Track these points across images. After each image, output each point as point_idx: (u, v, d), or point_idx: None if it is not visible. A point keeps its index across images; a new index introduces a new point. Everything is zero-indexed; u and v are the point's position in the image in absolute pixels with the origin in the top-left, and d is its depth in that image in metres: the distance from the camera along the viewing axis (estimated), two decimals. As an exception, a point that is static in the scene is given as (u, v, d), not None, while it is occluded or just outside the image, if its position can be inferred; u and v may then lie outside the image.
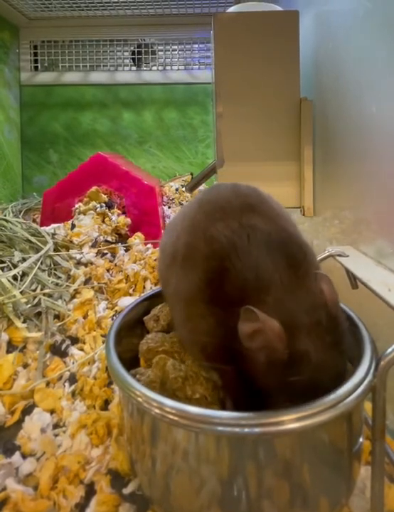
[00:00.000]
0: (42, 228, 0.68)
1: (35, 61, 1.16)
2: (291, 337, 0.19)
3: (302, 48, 0.60)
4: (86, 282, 0.57)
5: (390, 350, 0.22)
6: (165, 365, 0.26)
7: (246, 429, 0.20)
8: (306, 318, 0.19)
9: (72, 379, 0.39)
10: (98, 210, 0.75)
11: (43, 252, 0.57)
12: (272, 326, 0.19)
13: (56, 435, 0.33)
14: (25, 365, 0.41)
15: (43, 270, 0.55)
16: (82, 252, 0.65)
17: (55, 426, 0.34)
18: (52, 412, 0.35)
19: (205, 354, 0.24)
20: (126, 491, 0.27)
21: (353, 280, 0.36)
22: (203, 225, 0.24)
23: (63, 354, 0.43)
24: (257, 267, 0.20)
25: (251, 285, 0.21)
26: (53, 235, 0.68)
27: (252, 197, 0.25)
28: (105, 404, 0.36)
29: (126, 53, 1.16)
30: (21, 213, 0.91)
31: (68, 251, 0.65)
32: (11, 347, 0.43)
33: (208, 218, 0.24)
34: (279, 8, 0.64)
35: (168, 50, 1.16)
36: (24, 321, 0.45)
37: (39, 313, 0.48)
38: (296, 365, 0.19)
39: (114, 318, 0.42)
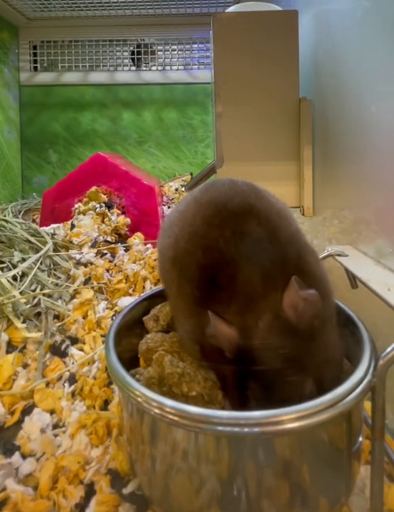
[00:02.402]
0: (41, 228, 0.68)
1: (35, 61, 1.16)
2: (243, 339, 0.21)
3: (301, 47, 0.60)
4: (86, 282, 0.57)
5: (389, 349, 0.22)
6: (163, 360, 0.26)
7: (245, 429, 0.20)
8: (256, 326, 0.21)
9: (72, 379, 0.39)
10: (98, 210, 0.75)
11: (42, 252, 0.57)
12: (222, 330, 0.22)
13: (56, 435, 0.33)
14: (25, 366, 0.41)
15: (43, 270, 0.55)
16: (81, 252, 0.65)
17: (55, 426, 0.34)
18: (52, 412, 0.35)
19: (203, 354, 0.25)
20: (126, 491, 0.27)
21: (353, 280, 0.36)
22: (201, 232, 0.24)
23: (63, 354, 0.43)
24: (239, 277, 0.22)
25: (233, 293, 0.23)
26: (53, 235, 0.68)
27: (250, 196, 0.25)
28: (105, 405, 0.36)
29: (125, 53, 1.16)
30: (21, 213, 0.91)
31: (68, 251, 0.65)
32: (10, 347, 0.43)
33: (206, 224, 0.24)
34: (278, 8, 0.64)
35: (168, 50, 1.16)
36: (24, 322, 0.45)
37: (39, 314, 0.48)
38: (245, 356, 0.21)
39: (114, 318, 0.42)
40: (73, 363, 0.41)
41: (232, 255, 0.22)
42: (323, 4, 0.58)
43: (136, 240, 0.72)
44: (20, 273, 0.51)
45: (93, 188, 0.78)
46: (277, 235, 0.23)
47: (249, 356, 0.22)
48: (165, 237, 0.29)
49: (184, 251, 0.25)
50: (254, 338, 0.22)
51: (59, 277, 0.56)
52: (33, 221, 0.86)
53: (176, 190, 1.00)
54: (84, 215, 0.75)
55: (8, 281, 0.48)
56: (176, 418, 0.21)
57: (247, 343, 0.21)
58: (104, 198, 0.78)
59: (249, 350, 0.22)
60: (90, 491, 0.28)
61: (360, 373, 0.22)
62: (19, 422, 0.34)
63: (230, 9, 0.68)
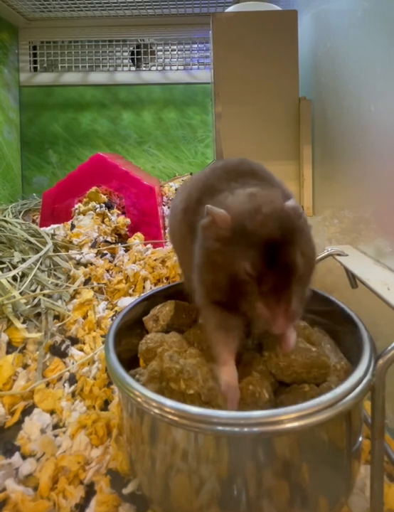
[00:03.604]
0: (41, 229, 0.68)
1: (35, 62, 1.16)
2: (233, 219, 0.24)
3: (301, 47, 0.60)
4: (86, 283, 0.57)
5: (389, 349, 0.22)
6: (163, 355, 0.26)
7: (245, 429, 0.20)
8: (251, 210, 0.24)
9: (72, 379, 0.39)
10: (98, 210, 0.75)
11: (42, 252, 0.57)
12: (218, 212, 0.24)
13: (56, 436, 0.33)
14: (25, 366, 0.41)
15: (43, 271, 0.55)
16: (81, 253, 0.65)
17: (55, 426, 0.34)
18: (52, 412, 0.35)
19: (210, 295, 0.27)
20: (126, 491, 0.27)
21: (353, 279, 0.36)
22: (212, 184, 0.29)
23: (63, 354, 0.43)
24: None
25: None
26: (53, 235, 0.68)
27: (255, 165, 0.31)
28: (105, 405, 0.36)
29: (125, 54, 1.16)
30: (21, 214, 0.91)
31: (68, 251, 0.65)
32: (10, 347, 0.43)
33: (217, 179, 0.29)
34: (277, 8, 0.64)
35: (168, 50, 1.16)
36: (24, 322, 0.45)
37: (39, 314, 0.48)
38: (239, 238, 0.24)
39: (114, 318, 0.42)
40: (73, 363, 0.41)
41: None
42: (322, 4, 0.58)
43: (136, 240, 0.72)
44: (20, 273, 0.51)
45: (93, 189, 0.78)
46: (270, 184, 0.29)
47: (242, 238, 0.24)
48: (178, 195, 0.34)
49: (196, 200, 0.29)
50: (243, 217, 0.24)
51: (59, 278, 0.56)
52: (33, 221, 0.86)
53: (176, 190, 1.00)
54: (84, 215, 0.75)
55: (8, 281, 0.48)
56: (175, 418, 0.21)
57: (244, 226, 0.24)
58: (104, 198, 0.78)
59: (244, 230, 0.23)
60: (90, 491, 0.28)
61: (360, 373, 0.22)
62: (19, 423, 0.34)
63: (230, 9, 0.68)
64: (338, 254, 0.37)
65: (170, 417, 0.21)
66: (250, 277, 0.23)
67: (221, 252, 0.24)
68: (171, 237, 0.36)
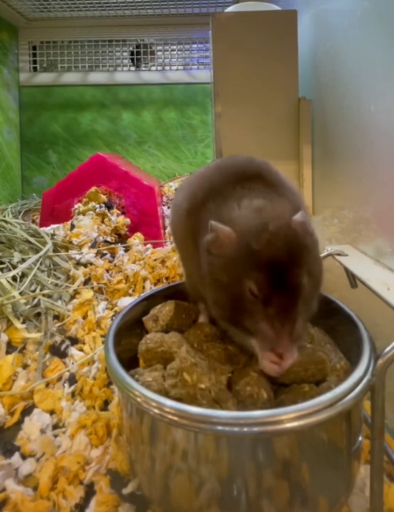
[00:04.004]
0: (41, 229, 0.68)
1: (34, 62, 1.16)
2: (239, 237, 0.24)
3: (300, 47, 0.60)
4: (85, 283, 0.57)
5: (388, 348, 0.22)
6: (180, 348, 0.26)
7: (245, 429, 0.20)
8: (257, 227, 0.24)
9: (72, 379, 0.39)
10: (97, 210, 0.75)
11: (42, 252, 0.57)
12: (222, 230, 0.24)
13: (56, 436, 0.33)
14: (25, 366, 0.41)
15: (43, 271, 0.55)
16: (81, 253, 0.65)
17: (55, 426, 0.34)
18: (51, 412, 0.35)
19: (225, 316, 0.26)
20: (126, 491, 0.27)
21: (353, 279, 0.36)
22: (218, 187, 0.28)
23: (63, 355, 0.43)
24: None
25: None
26: (53, 235, 0.68)
27: (263, 167, 0.30)
28: (105, 405, 0.36)
29: (125, 54, 1.16)
30: (21, 214, 0.91)
31: (68, 251, 0.65)
32: (10, 348, 0.43)
33: (224, 181, 0.28)
34: (277, 8, 0.64)
35: (167, 50, 1.16)
36: (23, 322, 0.45)
37: (38, 314, 0.48)
38: (244, 257, 0.23)
39: (114, 318, 0.42)
40: (73, 364, 0.41)
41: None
42: (322, 4, 0.58)
43: (136, 240, 0.72)
44: (20, 273, 0.51)
45: (93, 189, 0.78)
46: (279, 189, 0.28)
47: (247, 257, 0.23)
48: (181, 192, 0.33)
49: (201, 202, 0.28)
50: (250, 235, 0.23)
51: (59, 278, 0.56)
52: (33, 222, 0.86)
53: (176, 190, 1.00)
54: (84, 215, 0.75)
55: (8, 281, 0.48)
56: (175, 418, 0.21)
57: (256, 244, 0.23)
58: (104, 198, 0.78)
59: (249, 249, 0.23)
60: (90, 491, 0.28)
61: (360, 373, 0.22)
62: (19, 423, 0.34)
63: (229, 9, 0.67)
64: (338, 254, 0.37)
65: (170, 416, 0.21)
66: (255, 298, 0.23)
67: (225, 269, 0.24)
68: (173, 235, 0.36)
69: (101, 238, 0.70)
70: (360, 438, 0.24)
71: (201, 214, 0.27)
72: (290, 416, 0.20)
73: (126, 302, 0.53)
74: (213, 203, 0.27)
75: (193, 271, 0.31)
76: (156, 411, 0.21)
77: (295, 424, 0.20)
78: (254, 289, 0.23)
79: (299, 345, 0.24)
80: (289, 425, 0.20)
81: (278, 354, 0.23)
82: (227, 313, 0.25)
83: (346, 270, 0.36)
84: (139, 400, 0.22)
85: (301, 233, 0.24)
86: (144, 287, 0.58)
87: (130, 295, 0.57)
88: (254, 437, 0.20)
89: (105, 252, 0.67)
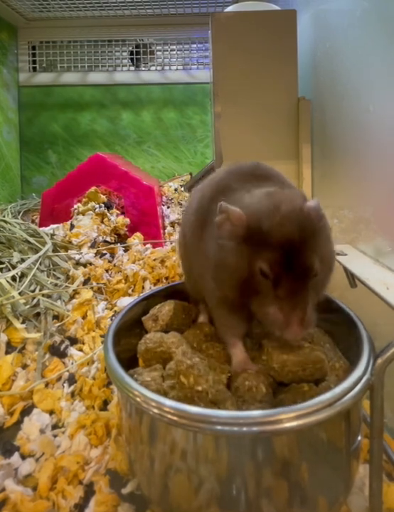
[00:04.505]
0: (41, 229, 0.68)
1: (34, 62, 1.16)
2: (249, 217, 0.24)
3: (300, 47, 0.60)
4: (85, 283, 0.57)
5: (387, 348, 0.22)
6: (177, 349, 0.26)
7: (244, 428, 0.20)
8: (269, 208, 0.24)
9: (72, 379, 0.39)
10: (97, 210, 0.75)
11: (41, 252, 0.57)
12: (233, 210, 0.24)
13: (55, 436, 0.33)
14: (24, 366, 0.41)
15: (42, 271, 0.55)
16: (81, 253, 0.65)
17: (54, 426, 0.34)
18: (51, 412, 0.35)
19: (221, 293, 0.26)
20: (125, 491, 0.27)
21: (352, 279, 0.36)
22: (227, 186, 0.28)
23: (62, 354, 0.43)
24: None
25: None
26: (52, 235, 0.68)
27: (270, 169, 0.31)
28: (104, 405, 0.36)
29: (124, 53, 1.16)
30: (20, 214, 0.91)
31: (67, 251, 0.65)
32: (9, 348, 0.43)
33: (233, 181, 0.29)
34: (277, 8, 0.64)
35: (167, 50, 1.16)
36: (23, 322, 0.45)
37: (38, 314, 0.47)
38: (255, 238, 0.23)
39: (113, 318, 0.42)
40: (72, 364, 0.41)
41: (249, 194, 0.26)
42: (321, 4, 0.58)
43: (136, 240, 0.72)
44: (19, 273, 0.51)
45: (92, 189, 0.78)
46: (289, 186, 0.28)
47: (258, 238, 0.23)
48: (192, 197, 0.34)
49: (209, 199, 0.28)
50: (260, 216, 0.23)
51: (58, 278, 0.56)
52: (33, 222, 0.86)
53: (176, 190, 1.00)
54: (83, 215, 0.75)
55: (8, 281, 0.48)
56: (174, 418, 0.21)
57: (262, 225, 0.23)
58: (104, 198, 0.78)
59: (261, 229, 0.23)
60: (89, 491, 0.28)
61: (359, 372, 0.22)
62: (18, 423, 0.34)
63: (229, 9, 0.67)
64: (338, 254, 0.37)
65: (169, 416, 0.21)
66: (266, 279, 0.22)
67: (236, 251, 0.24)
68: (182, 237, 0.35)
69: (100, 238, 0.70)
70: (359, 437, 0.24)
71: (210, 209, 0.27)
72: (289, 415, 0.20)
73: (125, 302, 0.53)
74: (223, 196, 0.27)
75: (195, 268, 0.31)
76: (156, 411, 0.21)
77: (294, 423, 0.20)
78: (265, 269, 0.22)
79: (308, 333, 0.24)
80: (288, 425, 0.20)
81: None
82: (233, 296, 0.25)
83: (346, 270, 0.36)
84: (138, 399, 0.22)
85: (314, 217, 0.23)
86: (143, 287, 0.58)
87: (130, 295, 0.57)
88: (253, 437, 0.20)
89: (105, 252, 0.67)
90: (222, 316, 0.29)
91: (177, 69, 1.16)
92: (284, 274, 0.22)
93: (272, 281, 0.22)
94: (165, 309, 0.33)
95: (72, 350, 0.44)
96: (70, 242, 0.68)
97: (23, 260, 0.56)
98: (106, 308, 0.53)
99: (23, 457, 0.31)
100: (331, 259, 0.25)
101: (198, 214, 0.30)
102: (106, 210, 0.76)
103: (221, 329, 0.29)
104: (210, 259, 0.26)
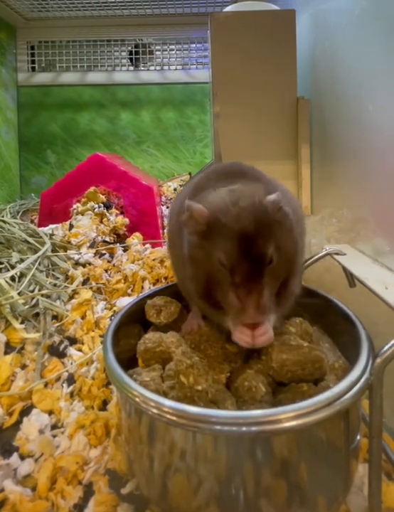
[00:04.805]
0: (40, 229, 0.68)
1: (33, 62, 1.16)
2: (210, 213, 0.25)
3: (299, 46, 0.60)
4: (84, 283, 0.57)
5: (386, 347, 0.22)
6: (177, 349, 0.26)
7: (243, 428, 0.20)
8: (228, 204, 0.25)
9: (71, 379, 0.39)
10: (96, 210, 0.75)
11: (40, 252, 0.57)
12: (196, 207, 0.25)
13: (54, 436, 0.33)
14: (23, 366, 0.41)
15: (41, 271, 0.55)
16: (80, 253, 0.64)
17: (54, 427, 0.34)
18: (50, 412, 0.35)
19: (203, 295, 0.27)
20: (125, 490, 0.27)
21: (351, 278, 0.36)
22: (202, 186, 0.29)
23: (61, 355, 0.43)
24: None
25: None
26: (51, 235, 0.67)
27: (246, 168, 0.31)
28: (103, 405, 0.36)
29: (123, 53, 1.16)
30: (19, 214, 0.91)
31: (66, 252, 0.65)
32: (8, 348, 0.42)
33: (207, 179, 0.30)
34: (276, 7, 0.64)
35: (166, 50, 1.16)
36: (22, 322, 0.45)
37: (37, 314, 0.47)
38: (215, 232, 0.24)
39: (112, 318, 0.42)
40: (72, 364, 0.41)
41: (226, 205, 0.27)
42: (320, 3, 0.58)
43: (135, 240, 0.72)
44: (18, 274, 0.51)
45: (91, 189, 0.77)
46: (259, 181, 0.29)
47: (217, 231, 0.24)
48: (177, 199, 0.36)
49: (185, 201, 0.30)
50: (221, 212, 0.25)
51: (57, 278, 0.56)
52: (32, 222, 0.86)
53: (175, 190, 1.00)
54: (82, 215, 0.75)
55: (7, 282, 0.48)
56: (173, 418, 0.21)
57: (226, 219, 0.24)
58: (103, 198, 0.78)
59: (220, 223, 0.24)
60: (89, 491, 0.28)
61: (358, 372, 0.22)
62: (17, 423, 0.34)
63: (228, 8, 0.67)
64: (336, 254, 0.37)
65: (168, 416, 0.21)
66: (224, 268, 0.24)
67: (199, 246, 0.25)
68: (170, 241, 0.37)
69: (100, 238, 0.70)
70: (358, 437, 0.24)
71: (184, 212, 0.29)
72: (288, 415, 0.20)
73: (125, 302, 0.53)
74: (195, 196, 0.28)
75: (183, 270, 0.31)
76: (155, 411, 0.21)
77: (293, 423, 0.20)
78: (222, 258, 0.24)
79: (269, 319, 0.25)
80: (287, 424, 0.20)
81: (248, 325, 0.24)
82: (203, 289, 0.26)
83: (344, 269, 0.36)
84: (137, 399, 0.22)
85: (272, 209, 0.25)
86: (142, 287, 0.58)
87: (129, 295, 0.57)
88: (252, 437, 0.20)
89: (104, 252, 0.67)
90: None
91: (176, 69, 1.16)
92: (240, 262, 0.24)
93: (229, 269, 0.24)
94: (170, 309, 0.33)
95: (72, 351, 0.44)
96: (69, 242, 0.67)
97: (22, 260, 0.55)
98: (105, 308, 0.53)
99: (22, 458, 0.31)
100: (291, 248, 0.26)
101: (177, 217, 0.31)
102: (105, 210, 0.76)
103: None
104: (185, 257, 0.27)
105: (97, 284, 0.57)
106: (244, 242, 0.24)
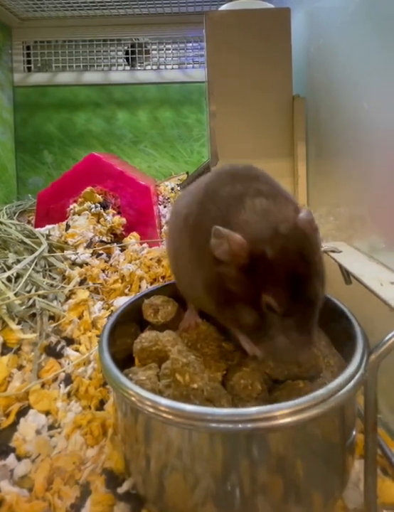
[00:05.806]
0: (36, 229, 0.68)
1: (28, 62, 1.15)
2: (252, 245, 0.23)
3: (294, 45, 0.60)
4: (81, 283, 0.57)
5: (380, 344, 0.22)
6: (173, 348, 0.26)
7: (239, 425, 0.20)
8: (269, 232, 0.23)
9: (68, 380, 0.39)
10: (93, 210, 0.75)
11: (37, 253, 0.57)
12: (233, 237, 0.23)
13: (51, 436, 0.33)
14: (20, 367, 0.41)
15: (38, 271, 0.55)
16: (77, 253, 0.64)
17: (50, 427, 0.34)
18: (47, 413, 0.35)
19: (214, 297, 0.26)
20: (121, 490, 0.27)
21: (347, 276, 0.36)
22: (214, 187, 0.28)
23: (58, 355, 0.43)
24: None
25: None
26: (48, 236, 0.67)
27: (259, 170, 0.30)
28: (101, 405, 0.36)
29: (119, 53, 1.15)
30: (16, 215, 0.91)
31: (63, 252, 0.64)
32: (5, 349, 0.42)
33: (222, 183, 0.28)
34: (270, 6, 0.64)
35: (162, 50, 1.15)
36: (19, 323, 0.45)
37: (34, 315, 0.47)
38: (258, 266, 0.22)
39: (109, 318, 0.42)
40: (69, 364, 0.41)
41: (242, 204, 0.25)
42: (315, 2, 0.58)
43: (132, 239, 0.72)
44: (14, 274, 0.51)
45: (88, 189, 0.77)
46: (278, 192, 0.27)
47: (262, 267, 0.22)
48: (181, 199, 0.33)
49: (198, 203, 0.28)
50: (263, 242, 0.23)
51: (54, 278, 0.56)
52: (28, 222, 0.85)
53: (172, 189, 1.00)
54: (79, 215, 0.75)
55: (3, 282, 0.48)
56: (169, 416, 0.21)
57: (263, 248, 0.22)
58: (99, 198, 0.78)
59: (264, 258, 0.22)
60: (86, 491, 0.28)
61: (353, 368, 0.22)
62: (14, 424, 0.34)
63: (223, 7, 0.67)
64: (332, 251, 0.38)
65: (164, 415, 0.21)
66: (272, 311, 0.22)
67: (239, 281, 0.23)
68: (171, 241, 0.34)
69: (97, 238, 0.70)
70: (354, 433, 0.24)
71: (200, 216, 0.27)
72: (284, 412, 0.20)
73: (122, 302, 0.53)
74: (212, 203, 0.26)
75: (186, 273, 0.30)
76: (151, 410, 0.21)
77: (289, 420, 0.20)
78: (273, 304, 0.22)
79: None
80: (282, 421, 0.20)
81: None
82: (228, 310, 0.25)
83: (340, 267, 0.37)
84: (133, 399, 0.22)
85: (310, 233, 0.23)
86: (140, 287, 0.58)
87: (126, 295, 0.57)
88: (248, 434, 0.20)
89: (101, 252, 0.67)
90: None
91: (172, 68, 1.15)
92: (292, 308, 0.22)
93: (281, 315, 0.22)
94: (167, 309, 0.33)
95: (69, 351, 0.44)
96: (66, 243, 0.67)
97: (18, 261, 0.55)
98: (102, 309, 0.53)
99: (19, 458, 0.31)
100: (323, 269, 0.25)
101: (187, 220, 0.29)
102: (102, 210, 0.76)
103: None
104: (202, 276, 0.26)
105: (94, 284, 0.57)
106: (296, 285, 0.22)
